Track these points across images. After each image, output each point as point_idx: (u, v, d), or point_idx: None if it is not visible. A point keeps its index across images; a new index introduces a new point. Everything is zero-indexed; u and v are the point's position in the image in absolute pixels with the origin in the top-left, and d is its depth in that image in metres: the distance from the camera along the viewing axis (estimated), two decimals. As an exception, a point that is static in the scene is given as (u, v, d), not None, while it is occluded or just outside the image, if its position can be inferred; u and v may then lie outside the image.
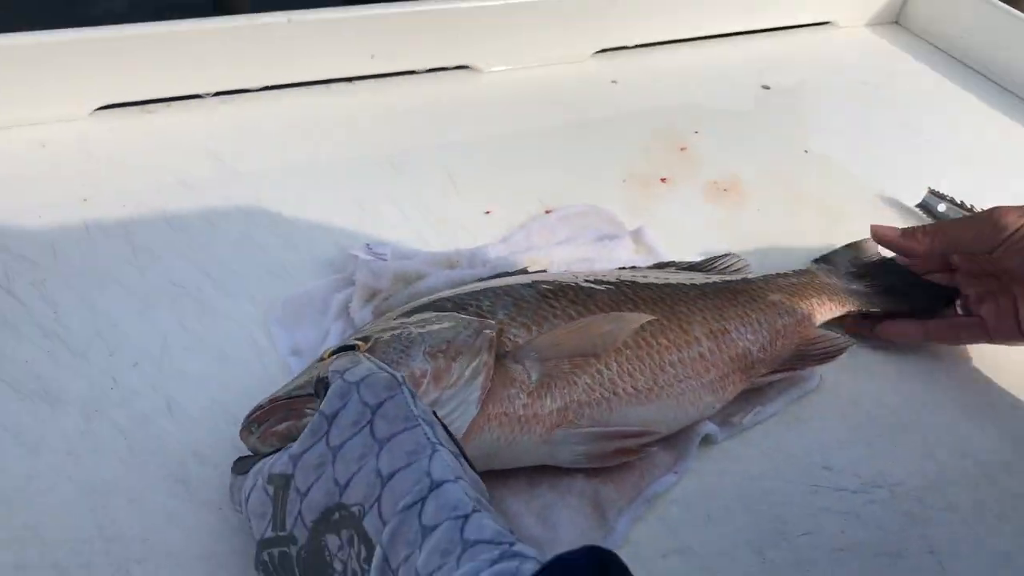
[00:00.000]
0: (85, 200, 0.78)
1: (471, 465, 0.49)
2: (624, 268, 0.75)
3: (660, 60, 1.11)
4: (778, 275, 0.76)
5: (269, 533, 0.47)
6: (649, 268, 0.76)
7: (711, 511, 0.61)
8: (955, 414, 0.71)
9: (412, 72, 1.00)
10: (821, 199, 0.91)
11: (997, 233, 0.69)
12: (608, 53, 1.10)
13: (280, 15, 0.88)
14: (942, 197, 0.91)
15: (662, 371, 0.64)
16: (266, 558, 0.47)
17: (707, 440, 0.65)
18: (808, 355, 0.70)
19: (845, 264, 0.79)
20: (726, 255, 0.79)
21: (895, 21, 1.26)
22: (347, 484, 0.45)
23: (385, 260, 0.74)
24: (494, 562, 0.40)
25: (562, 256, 0.78)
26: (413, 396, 0.48)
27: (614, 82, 1.05)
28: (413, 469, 0.44)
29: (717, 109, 1.04)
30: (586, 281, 0.68)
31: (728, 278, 0.74)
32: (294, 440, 0.50)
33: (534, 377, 0.61)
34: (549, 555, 0.56)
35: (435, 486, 0.43)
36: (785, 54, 1.17)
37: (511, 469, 0.61)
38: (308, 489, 0.46)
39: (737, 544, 0.59)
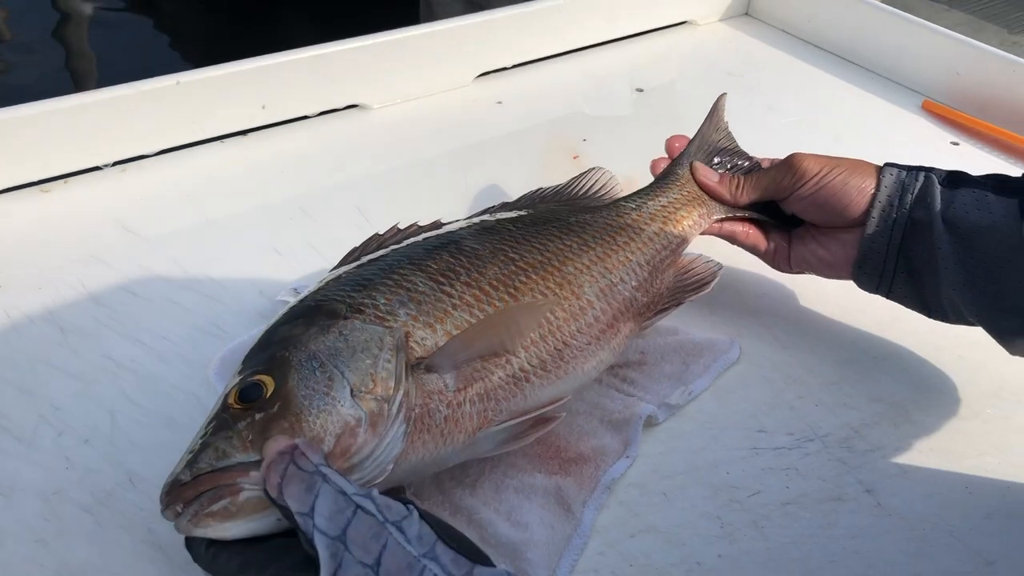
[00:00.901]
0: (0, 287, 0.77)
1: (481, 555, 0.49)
2: (494, 211, 0.75)
3: (539, 76, 1.16)
4: (649, 193, 0.78)
5: None
6: (520, 201, 0.77)
7: (666, 488, 0.65)
8: (865, 366, 0.77)
9: (304, 117, 1.02)
10: (710, 186, 0.97)
11: (794, 181, 0.73)
12: (489, 76, 1.14)
13: (168, 78, 0.89)
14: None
15: (566, 347, 0.65)
16: None
17: (649, 422, 0.69)
18: (685, 287, 0.73)
19: (714, 155, 0.82)
20: (591, 170, 0.81)
21: (746, 13, 1.34)
22: None
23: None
24: None
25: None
26: (400, 530, 0.46)
27: (499, 103, 1.09)
28: None
29: (599, 115, 1.10)
30: (471, 250, 0.66)
31: (603, 212, 0.75)
32: (233, 518, 0.49)
33: (451, 384, 0.59)
34: (528, 555, 0.59)
35: None
36: (652, 56, 1.24)
37: (476, 479, 0.63)
38: None
39: (695, 515, 0.64)
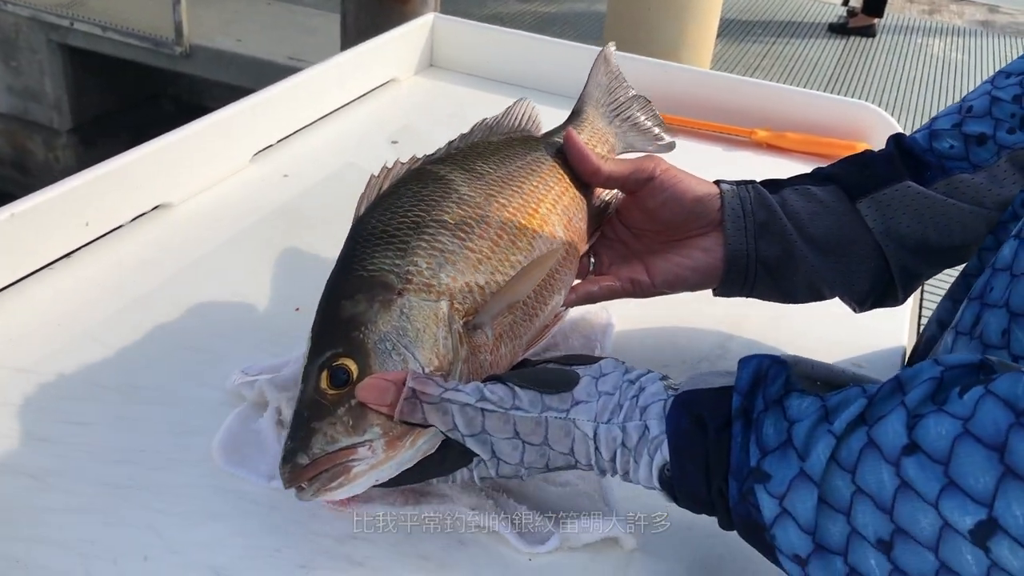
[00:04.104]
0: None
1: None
2: (456, 144, 0.82)
3: (308, 143, 1.24)
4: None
5: None
6: (474, 134, 0.84)
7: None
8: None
9: (119, 227, 0.99)
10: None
11: (655, 166, 0.79)
12: (263, 153, 1.19)
13: (2, 211, 0.84)
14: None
15: (553, 278, 0.76)
16: None
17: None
18: (600, 210, 0.86)
19: (605, 100, 0.92)
20: (518, 101, 0.89)
21: (431, 64, 1.52)
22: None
23: (270, 374, 0.78)
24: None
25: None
26: (517, 408, 0.61)
27: (285, 176, 1.15)
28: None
29: (372, 168, 1.20)
30: (471, 199, 0.75)
31: (546, 149, 0.84)
32: (347, 485, 0.61)
33: (490, 336, 0.69)
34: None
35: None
36: (389, 110, 1.37)
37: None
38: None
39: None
